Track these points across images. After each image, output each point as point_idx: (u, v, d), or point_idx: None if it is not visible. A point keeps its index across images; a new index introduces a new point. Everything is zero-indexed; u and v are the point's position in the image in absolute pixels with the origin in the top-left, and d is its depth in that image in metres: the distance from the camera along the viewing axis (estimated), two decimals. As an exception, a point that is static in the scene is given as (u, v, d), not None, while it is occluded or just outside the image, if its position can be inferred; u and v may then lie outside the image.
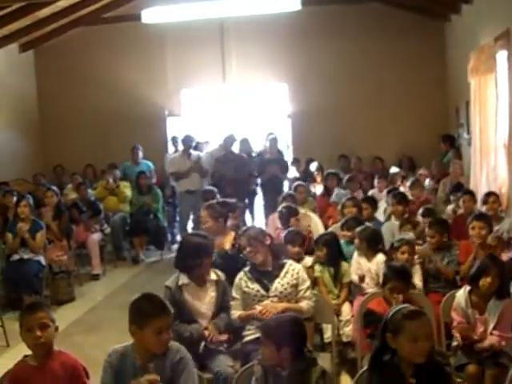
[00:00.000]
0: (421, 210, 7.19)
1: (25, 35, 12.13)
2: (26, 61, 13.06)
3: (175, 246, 11.01)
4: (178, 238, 11.35)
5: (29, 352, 3.73)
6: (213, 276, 4.97)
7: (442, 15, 11.26)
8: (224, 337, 4.79)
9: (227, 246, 6.00)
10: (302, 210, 7.52)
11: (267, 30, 12.01)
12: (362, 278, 5.81)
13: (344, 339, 5.67)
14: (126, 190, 10.91)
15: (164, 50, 12.65)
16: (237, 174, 10.52)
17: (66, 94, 13.02)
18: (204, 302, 4.89)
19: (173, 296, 4.76)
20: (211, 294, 4.93)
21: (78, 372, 3.67)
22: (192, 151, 10.99)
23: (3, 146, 11.83)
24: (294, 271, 5.01)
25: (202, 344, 4.70)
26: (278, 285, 4.93)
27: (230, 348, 4.89)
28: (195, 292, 4.90)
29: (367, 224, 6.57)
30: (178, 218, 11.76)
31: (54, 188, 9.57)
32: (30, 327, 3.61)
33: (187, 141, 11.03)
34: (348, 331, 5.63)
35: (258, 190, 11.37)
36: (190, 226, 11.12)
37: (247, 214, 11.18)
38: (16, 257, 8.11)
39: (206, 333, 4.69)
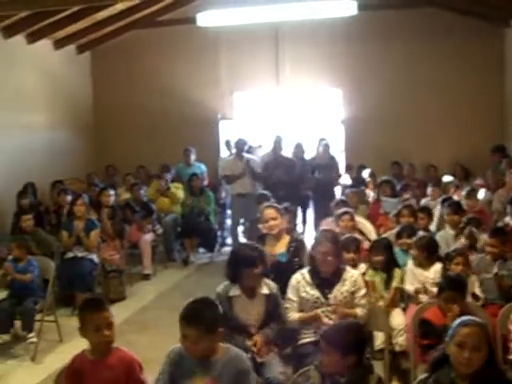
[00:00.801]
0: (465, 218, 7.07)
1: (82, 37, 12.38)
2: (82, 62, 13.30)
3: (225, 249, 11.06)
4: (228, 240, 11.38)
5: (82, 347, 3.78)
6: (265, 290, 4.91)
7: (502, 20, 11.08)
8: (270, 351, 4.77)
9: (282, 249, 6.00)
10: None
11: (322, 35, 11.96)
12: (418, 291, 5.74)
13: (397, 349, 5.60)
14: (178, 191, 10.97)
15: (218, 53, 12.71)
16: (286, 178, 10.48)
17: (121, 95, 13.21)
18: (251, 314, 4.88)
19: (221, 305, 4.76)
20: (259, 308, 4.89)
21: (133, 368, 3.72)
22: (245, 154, 10.99)
23: (58, 145, 12.06)
24: (352, 278, 5.01)
25: (248, 356, 4.69)
26: (338, 293, 4.93)
27: (281, 352, 4.89)
28: (244, 305, 4.88)
29: (421, 233, 6.51)
30: (227, 221, 11.81)
31: (111, 188, 9.74)
32: (98, 327, 3.66)
33: (240, 144, 11.01)
34: (401, 341, 5.57)
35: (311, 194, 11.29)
36: (240, 229, 11.15)
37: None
38: (70, 255, 8.23)
39: (253, 347, 4.68)
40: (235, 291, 4.87)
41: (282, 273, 5.42)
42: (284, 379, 4.48)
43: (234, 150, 11.43)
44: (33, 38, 11.32)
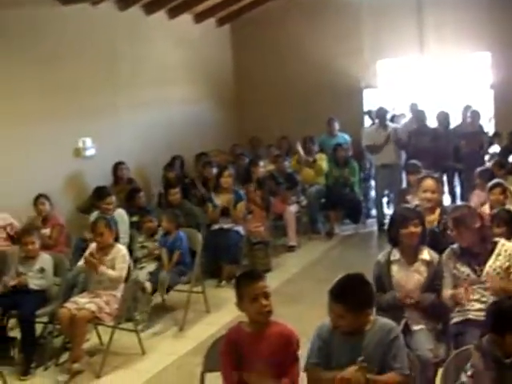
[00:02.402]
0: None
1: (222, 9, 12.40)
2: (222, 34, 13.35)
3: (370, 221, 10.89)
4: (373, 212, 11.19)
5: (229, 318, 3.77)
6: (426, 256, 4.81)
7: None
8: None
9: (434, 222, 5.78)
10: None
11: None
12: None
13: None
14: (323, 162, 10.83)
15: (360, 20, 12.36)
16: (431, 146, 10.14)
17: (261, 66, 13.17)
18: (410, 280, 4.76)
19: (380, 271, 4.79)
20: (419, 274, 4.77)
21: (291, 343, 3.67)
22: (389, 123, 10.72)
23: (201, 118, 12.21)
24: (506, 252, 4.71)
25: (403, 322, 4.59)
26: (490, 269, 4.66)
27: (433, 328, 4.72)
28: (403, 269, 4.80)
29: None
30: (371, 192, 11.61)
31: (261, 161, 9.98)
32: (256, 296, 3.63)
33: (381, 113, 10.78)
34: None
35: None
36: (384, 200, 10.94)
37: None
38: (216, 227, 8.39)
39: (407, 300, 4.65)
40: (395, 255, 4.84)
41: (434, 245, 5.23)
42: (432, 357, 4.35)
43: (376, 120, 11.18)
44: (174, 13, 11.44)
